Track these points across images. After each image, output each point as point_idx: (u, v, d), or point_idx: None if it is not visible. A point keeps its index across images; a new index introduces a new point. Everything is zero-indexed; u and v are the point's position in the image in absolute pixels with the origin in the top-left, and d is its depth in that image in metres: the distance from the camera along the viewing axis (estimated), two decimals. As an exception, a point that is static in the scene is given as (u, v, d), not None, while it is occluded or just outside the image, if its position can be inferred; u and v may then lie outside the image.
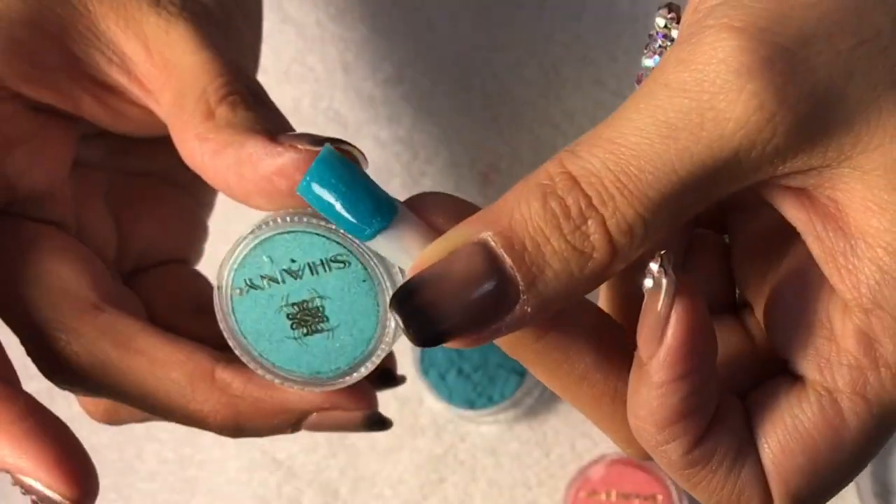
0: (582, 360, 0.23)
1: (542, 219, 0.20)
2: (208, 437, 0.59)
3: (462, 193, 0.58)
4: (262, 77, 0.61)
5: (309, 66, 0.60)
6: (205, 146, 0.26)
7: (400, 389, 0.57)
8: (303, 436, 0.58)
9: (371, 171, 0.59)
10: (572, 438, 0.55)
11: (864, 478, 0.50)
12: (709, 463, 0.22)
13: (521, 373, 0.52)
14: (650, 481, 0.51)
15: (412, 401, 0.57)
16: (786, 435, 0.22)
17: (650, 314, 0.20)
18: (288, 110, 0.60)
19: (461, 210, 0.23)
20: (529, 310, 0.21)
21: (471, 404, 0.53)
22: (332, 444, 0.57)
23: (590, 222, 0.20)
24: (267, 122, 0.27)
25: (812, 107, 0.20)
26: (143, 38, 0.27)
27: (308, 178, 0.24)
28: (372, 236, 0.24)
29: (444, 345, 0.22)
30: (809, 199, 0.21)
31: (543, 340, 0.23)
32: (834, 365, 0.21)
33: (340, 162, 0.25)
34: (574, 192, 0.20)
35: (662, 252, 0.21)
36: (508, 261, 0.20)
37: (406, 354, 0.57)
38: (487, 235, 0.21)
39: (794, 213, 0.21)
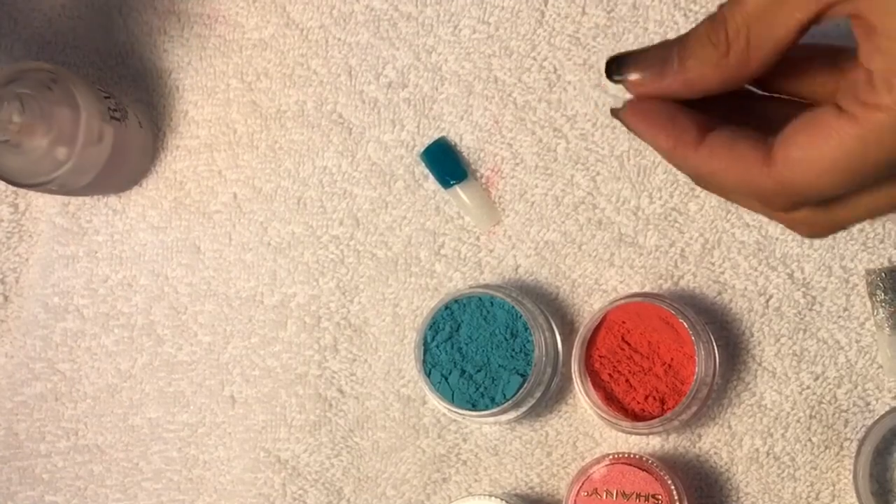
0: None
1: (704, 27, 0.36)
2: (213, 438, 0.60)
3: (463, 195, 0.59)
4: (265, 80, 0.61)
5: (313, 70, 0.60)
6: None
7: (403, 390, 0.58)
8: (307, 436, 0.58)
9: (374, 174, 0.59)
10: (574, 438, 0.55)
11: (863, 477, 0.50)
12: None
13: (523, 374, 0.53)
14: (651, 481, 0.51)
15: (415, 401, 0.57)
16: (802, 122, 0.34)
17: None
18: (292, 114, 0.60)
19: None
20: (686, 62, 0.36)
21: (473, 405, 0.53)
22: (336, 444, 0.58)
23: (721, 27, 0.35)
24: None
25: None
26: None
27: (422, 153, 0.57)
28: (450, 186, 0.56)
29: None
30: (859, 19, 0.33)
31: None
32: (844, 89, 0.33)
33: (438, 148, 0.57)
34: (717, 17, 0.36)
35: None
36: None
37: (409, 356, 0.57)
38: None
39: (854, 28, 0.33)
